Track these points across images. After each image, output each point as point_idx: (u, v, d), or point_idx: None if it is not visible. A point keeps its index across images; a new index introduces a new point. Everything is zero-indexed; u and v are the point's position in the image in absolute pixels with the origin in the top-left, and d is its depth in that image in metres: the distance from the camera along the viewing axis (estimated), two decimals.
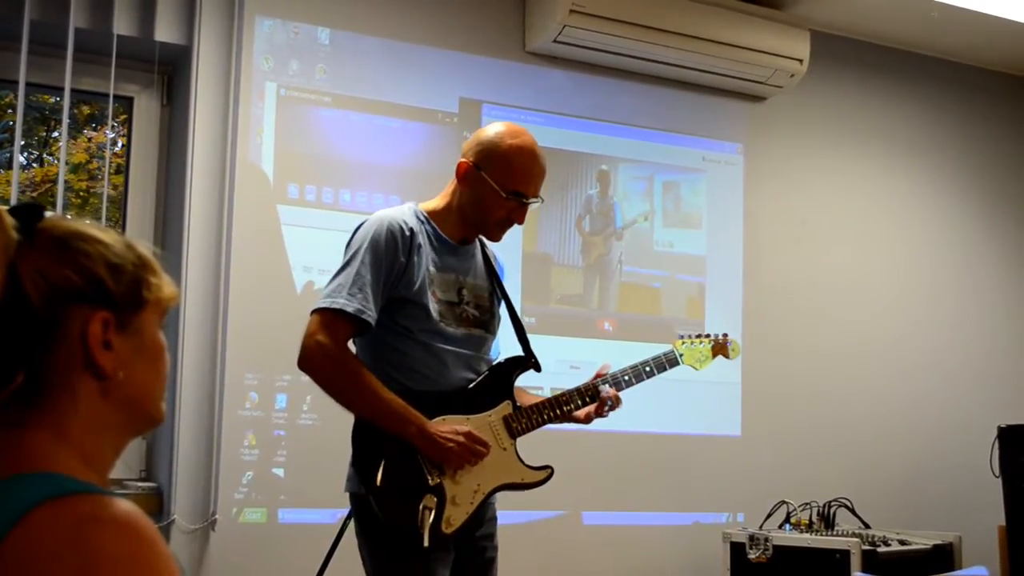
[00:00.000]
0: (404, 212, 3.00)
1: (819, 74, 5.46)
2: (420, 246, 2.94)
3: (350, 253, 2.92)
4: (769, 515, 4.71)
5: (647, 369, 3.27)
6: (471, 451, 2.87)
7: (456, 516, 2.87)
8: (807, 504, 4.68)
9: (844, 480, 5.12)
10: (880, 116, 5.85)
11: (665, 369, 3.31)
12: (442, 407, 2.91)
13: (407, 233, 2.92)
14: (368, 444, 2.86)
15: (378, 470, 2.83)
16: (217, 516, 4.17)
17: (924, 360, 5.78)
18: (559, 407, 3.10)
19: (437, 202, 3.08)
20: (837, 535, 4.49)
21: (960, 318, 5.93)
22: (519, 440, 3.04)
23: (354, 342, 2.96)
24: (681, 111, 5.31)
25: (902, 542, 4.50)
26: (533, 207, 3.08)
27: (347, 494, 2.96)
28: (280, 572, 4.22)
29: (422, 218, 3.02)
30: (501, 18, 4.95)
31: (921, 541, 4.55)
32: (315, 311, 2.86)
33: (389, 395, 2.83)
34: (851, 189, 5.74)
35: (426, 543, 2.76)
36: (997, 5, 5.29)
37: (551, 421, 3.09)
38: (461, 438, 2.85)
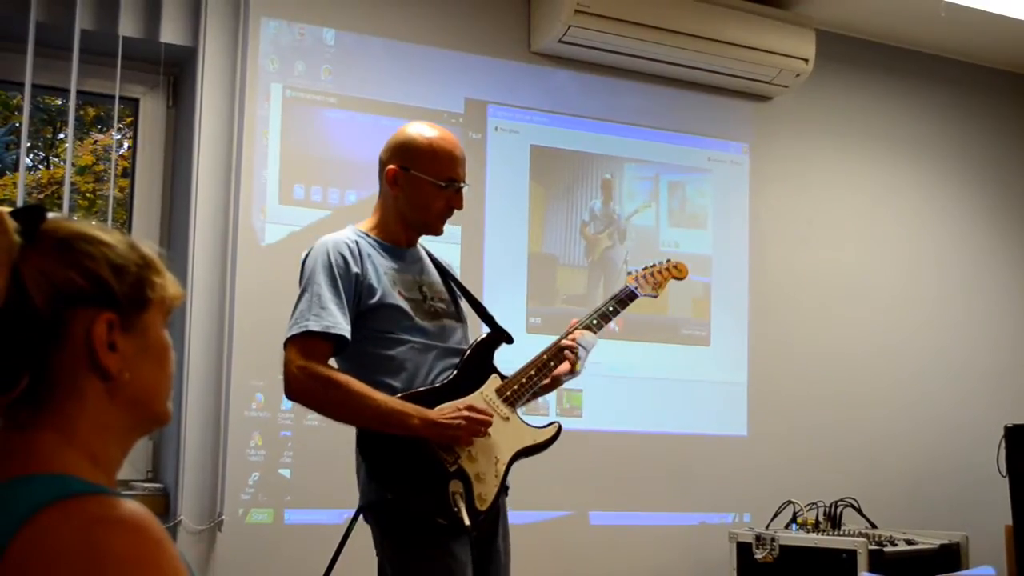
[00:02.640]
0: (344, 232, 3.06)
1: (825, 74, 5.46)
2: (369, 255, 2.99)
3: (304, 281, 2.96)
4: (775, 515, 4.70)
5: (610, 308, 3.31)
6: (478, 422, 2.89)
7: (486, 491, 2.90)
8: (814, 504, 4.68)
9: (851, 480, 5.11)
10: (886, 115, 5.84)
11: (626, 304, 3.36)
12: (435, 399, 2.93)
13: (352, 246, 2.97)
14: (378, 451, 2.89)
15: (397, 472, 2.86)
16: (224, 517, 4.18)
17: (930, 359, 5.78)
18: (542, 365, 3.12)
19: (371, 219, 3.14)
20: (844, 535, 4.49)
21: (966, 317, 5.92)
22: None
23: (337, 363, 2.98)
24: (686, 111, 5.31)
25: (909, 542, 4.49)
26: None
27: (361, 508, 2.96)
28: (287, 573, 4.22)
29: (361, 234, 3.07)
30: (506, 18, 4.95)
31: (928, 541, 4.54)
32: (286, 343, 2.89)
33: (382, 397, 2.84)
34: (857, 189, 5.73)
35: (467, 523, 2.78)
36: (1004, 4, 5.28)
37: (540, 380, 3.11)
38: (464, 411, 2.88)
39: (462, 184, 3.09)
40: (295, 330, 2.86)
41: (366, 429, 2.91)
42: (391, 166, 3.07)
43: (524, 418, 3.08)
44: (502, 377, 3.09)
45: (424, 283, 3.09)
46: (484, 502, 2.89)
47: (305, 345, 2.85)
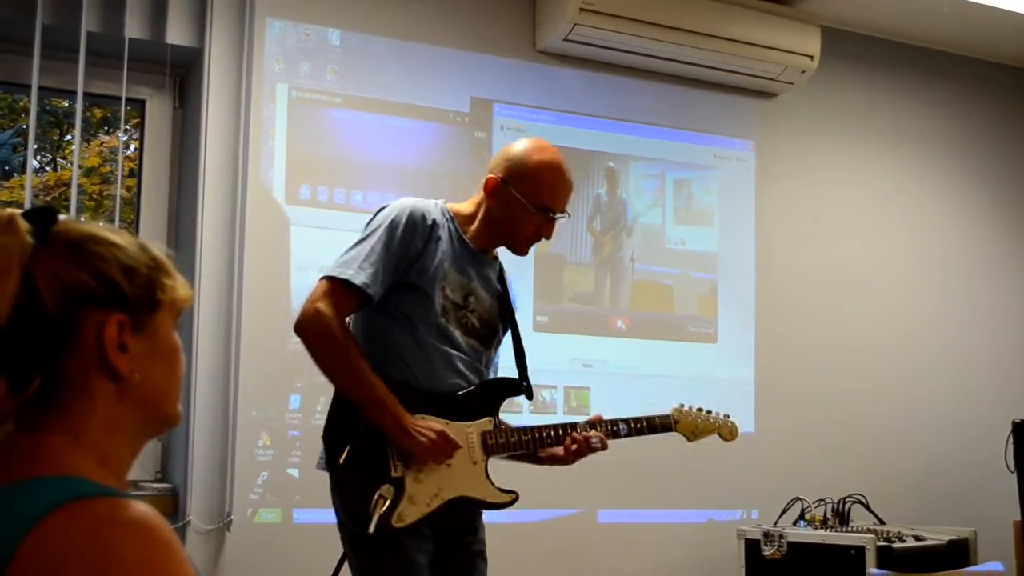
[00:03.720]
0: (430, 204, 3.02)
1: (830, 70, 5.45)
2: (439, 239, 2.96)
3: (369, 229, 2.93)
4: (784, 512, 4.70)
5: (638, 427, 3.25)
6: (439, 449, 2.86)
7: (409, 513, 2.85)
8: (822, 500, 4.68)
9: (858, 476, 5.11)
10: (891, 112, 5.84)
11: (657, 431, 3.29)
12: (424, 405, 2.91)
13: (428, 222, 2.94)
14: (342, 421, 2.88)
15: (344, 449, 2.84)
16: (232, 517, 4.19)
17: (938, 355, 5.77)
18: (539, 433, 3.06)
19: (464, 206, 3.10)
20: (852, 531, 4.48)
21: (973, 313, 5.92)
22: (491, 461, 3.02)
23: (352, 320, 2.97)
24: (692, 108, 5.31)
25: (917, 538, 4.49)
26: (561, 222, 3.09)
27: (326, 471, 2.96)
28: (295, 572, 4.23)
29: (448, 216, 3.03)
30: (511, 17, 4.95)
31: (936, 536, 4.54)
32: (323, 278, 2.88)
33: (375, 379, 2.83)
34: (863, 185, 5.73)
35: (371, 530, 2.75)
36: None
37: (527, 448, 3.05)
38: (433, 435, 2.85)
39: (557, 215, 3.05)
40: (336, 272, 2.85)
41: (345, 396, 2.89)
42: (492, 176, 3.03)
43: (491, 474, 3.00)
44: (497, 424, 3.03)
45: (475, 293, 3.04)
46: (402, 521, 2.83)
47: (337, 291, 2.84)
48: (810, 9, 5.33)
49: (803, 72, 5.28)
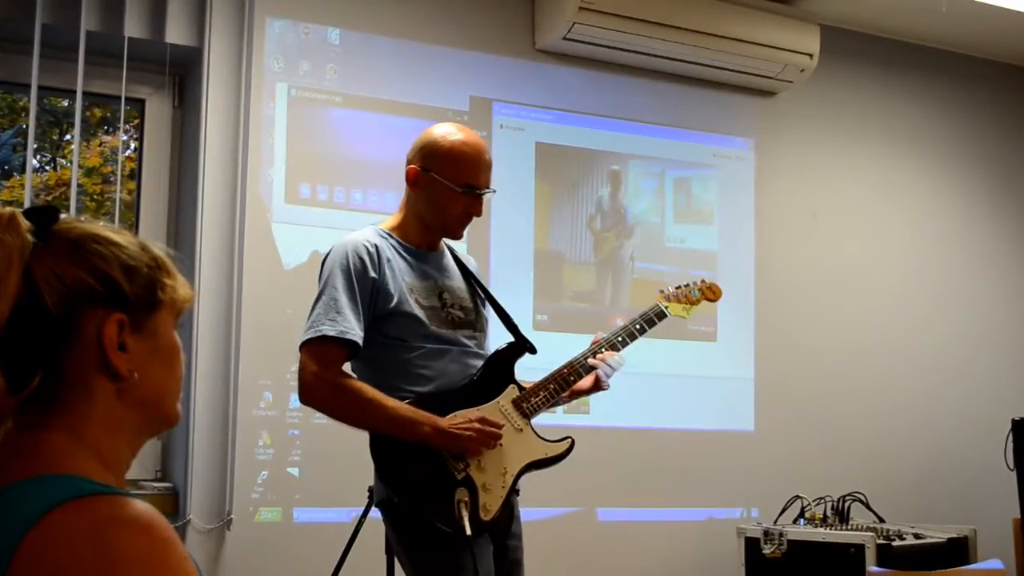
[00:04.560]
0: (365, 232, 3.05)
1: (829, 69, 5.45)
2: (389, 259, 2.98)
3: (322, 283, 2.95)
4: (783, 510, 4.70)
5: (637, 327, 3.28)
6: (488, 434, 2.90)
7: (491, 502, 2.90)
8: (821, 499, 4.68)
9: (858, 474, 5.11)
10: (891, 110, 5.84)
11: (654, 323, 3.33)
12: (451, 405, 2.94)
13: (371, 250, 2.96)
14: (389, 453, 2.89)
15: (405, 476, 2.87)
16: (233, 516, 4.19)
17: (937, 353, 5.78)
18: (562, 379, 3.12)
19: (395, 218, 3.13)
20: (852, 529, 4.49)
21: (973, 311, 5.92)
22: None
23: (352, 368, 2.99)
24: (692, 107, 5.31)
25: (917, 536, 4.49)
26: (488, 197, 3.11)
27: (376, 505, 2.99)
28: (296, 571, 4.23)
29: (384, 235, 3.06)
30: (511, 16, 4.95)
31: (936, 535, 4.54)
32: (302, 346, 2.90)
33: (394, 403, 2.86)
34: (862, 183, 5.73)
35: (469, 532, 2.76)
36: None
37: (558, 394, 3.11)
38: (476, 424, 2.89)
39: (483, 191, 3.06)
40: (311, 334, 2.87)
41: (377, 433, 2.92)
42: (412, 166, 3.06)
43: (538, 431, 3.06)
44: (520, 388, 3.08)
45: (445, 289, 3.07)
46: (488, 512, 2.89)
47: (320, 350, 2.87)
48: (810, 8, 5.33)
49: (802, 71, 5.28)
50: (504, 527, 3.03)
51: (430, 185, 3.03)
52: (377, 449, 2.92)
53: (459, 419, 2.90)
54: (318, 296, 2.93)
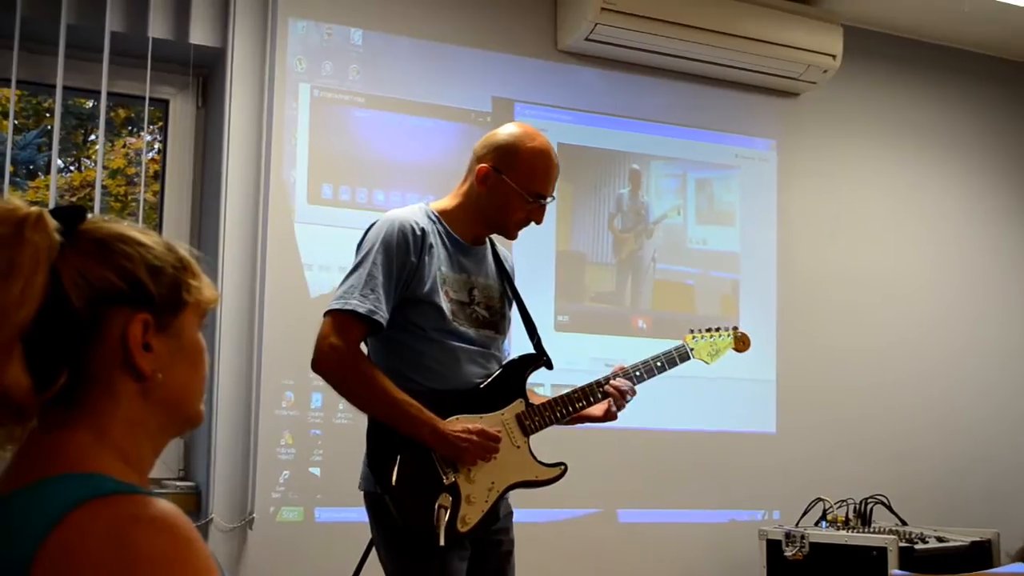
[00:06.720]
0: (415, 212, 3.00)
1: (852, 69, 5.43)
2: (432, 246, 2.94)
3: (362, 254, 2.92)
4: (805, 512, 4.69)
5: (658, 364, 3.25)
6: (484, 448, 2.88)
7: (471, 515, 2.88)
8: (843, 501, 4.66)
9: (880, 476, 5.09)
10: (914, 111, 5.81)
11: (676, 364, 3.30)
12: (455, 406, 2.92)
13: (418, 233, 2.92)
14: (383, 443, 2.88)
15: (393, 469, 2.84)
16: (255, 515, 4.20)
17: (960, 354, 5.74)
18: (570, 404, 3.09)
19: (448, 202, 3.09)
20: (874, 532, 4.47)
21: (995, 311, 5.89)
22: (532, 438, 3.04)
23: (366, 342, 2.97)
24: (714, 108, 5.30)
25: (940, 539, 4.47)
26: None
27: (361, 493, 2.98)
28: (317, 570, 4.24)
29: (433, 218, 3.02)
30: (533, 17, 4.95)
31: (959, 538, 4.52)
32: (327, 313, 2.88)
33: (402, 396, 2.84)
34: (885, 184, 5.71)
35: (442, 542, 2.75)
36: None
37: (563, 418, 3.09)
38: (474, 436, 2.86)
39: (548, 200, 3.05)
40: (339, 305, 2.85)
41: (376, 420, 2.90)
42: (484, 165, 3.01)
43: (534, 451, 3.03)
44: (527, 403, 3.05)
45: (477, 285, 3.04)
46: (466, 525, 2.87)
47: (345, 323, 2.84)
48: (832, 8, 5.31)
49: (825, 71, 5.26)
50: (492, 523, 2.99)
51: (498, 186, 2.99)
52: (373, 436, 2.91)
53: (459, 426, 2.87)
54: (356, 265, 2.90)
